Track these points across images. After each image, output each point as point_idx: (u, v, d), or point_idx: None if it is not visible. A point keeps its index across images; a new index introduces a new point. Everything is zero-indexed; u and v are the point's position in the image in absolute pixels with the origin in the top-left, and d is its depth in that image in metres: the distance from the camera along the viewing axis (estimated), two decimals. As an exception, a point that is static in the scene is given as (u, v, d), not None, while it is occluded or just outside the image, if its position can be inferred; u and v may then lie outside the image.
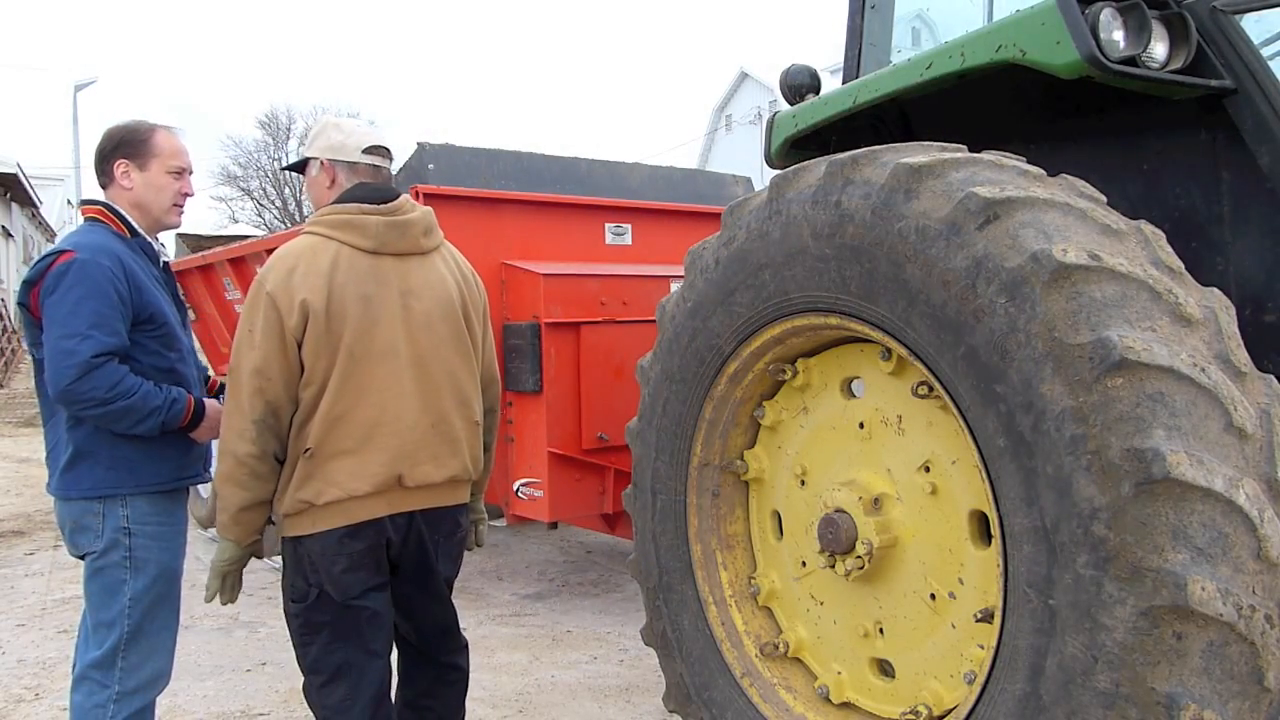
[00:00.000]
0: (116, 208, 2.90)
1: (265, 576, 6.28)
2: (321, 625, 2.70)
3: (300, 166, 2.90)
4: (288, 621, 2.78)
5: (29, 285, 2.76)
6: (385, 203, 2.74)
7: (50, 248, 2.84)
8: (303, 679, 2.79)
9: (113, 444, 2.77)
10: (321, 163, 2.81)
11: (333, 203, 2.75)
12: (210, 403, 2.93)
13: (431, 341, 2.75)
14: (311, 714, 2.82)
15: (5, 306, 24.64)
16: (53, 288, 2.70)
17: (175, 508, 2.95)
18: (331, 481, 2.61)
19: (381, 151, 2.84)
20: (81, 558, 2.88)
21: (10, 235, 27.79)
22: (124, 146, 2.89)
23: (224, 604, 2.78)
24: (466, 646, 3.07)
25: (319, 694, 2.73)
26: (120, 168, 2.88)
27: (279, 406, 2.59)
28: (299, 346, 2.58)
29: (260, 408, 2.57)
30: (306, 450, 2.60)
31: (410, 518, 2.76)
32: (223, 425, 2.65)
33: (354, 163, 2.79)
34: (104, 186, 2.94)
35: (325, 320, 2.58)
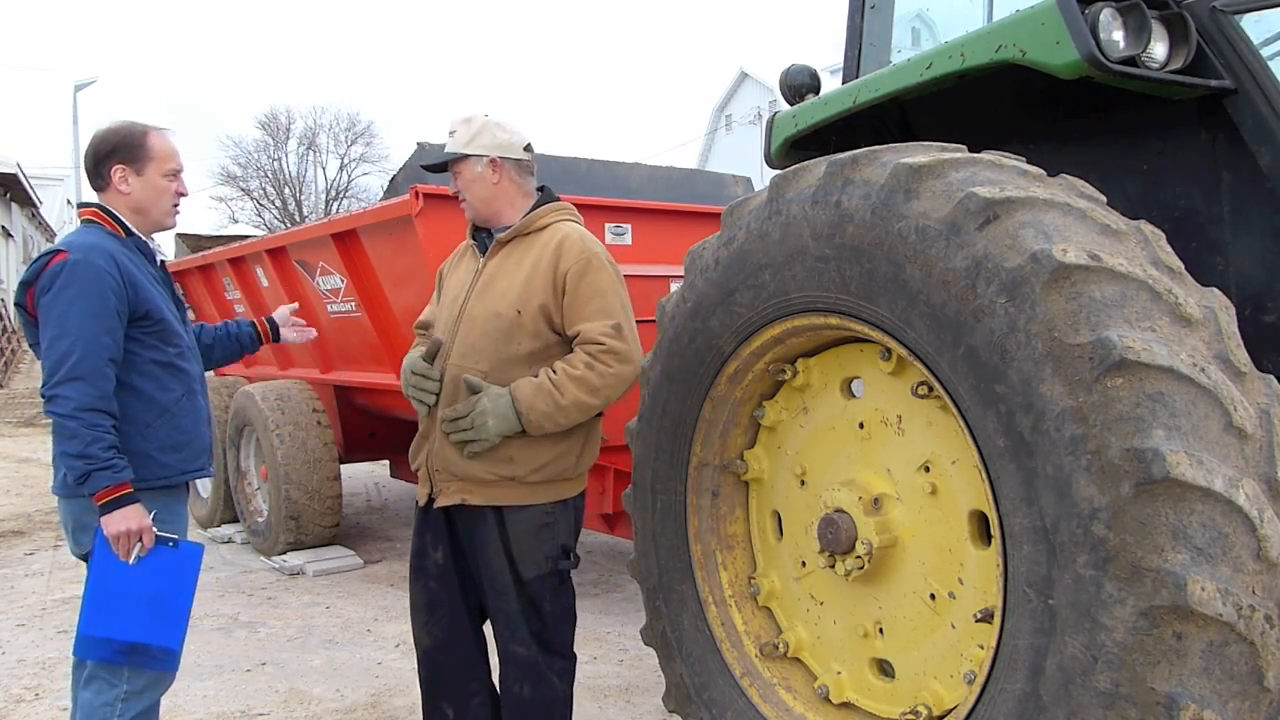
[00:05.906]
0: (112, 210, 2.92)
1: (265, 577, 6.28)
2: (567, 575, 3.01)
3: (442, 166, 2.97)
4: (545, 581, 2.91)
5: (25, 285, 2.81)
6: None
7: (47, 248, 2.87)
8: (546, 636, 2.95)
9: (126, 439, 2.77)
10: (491, 160, 2.89)
11: (541, 204, 2.96)
12: (135, 509, 2.69)
13: None
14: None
15: (5, 306, 24.66)
16: (47, 287, 2.73)
17: (177, 504, 2.95)
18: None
19: (531, 149, 2.99)
20: (84, 557, 2.89)
21: (10, 235, 27.81)
22: (119, 151, 2.87)
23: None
24: None
25: (568, 638, 3.01)
26: (117, 173, 2.87)
27: None
28: None
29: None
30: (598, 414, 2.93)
31: None
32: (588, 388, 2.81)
33: (520, 160, 2.92)
34: (99, 190, 2.94)
35: None
